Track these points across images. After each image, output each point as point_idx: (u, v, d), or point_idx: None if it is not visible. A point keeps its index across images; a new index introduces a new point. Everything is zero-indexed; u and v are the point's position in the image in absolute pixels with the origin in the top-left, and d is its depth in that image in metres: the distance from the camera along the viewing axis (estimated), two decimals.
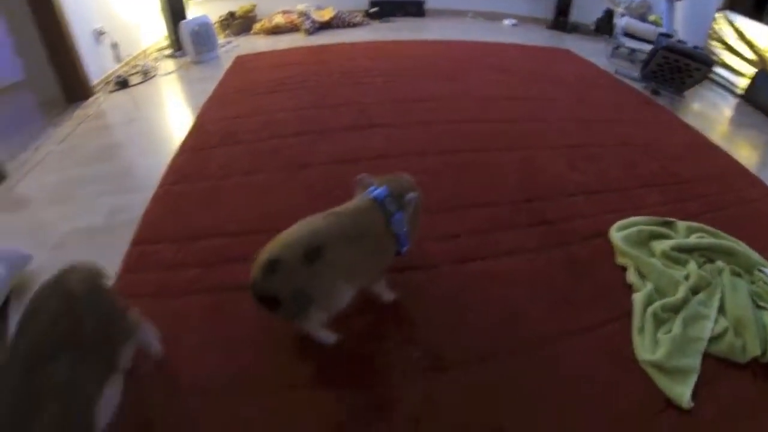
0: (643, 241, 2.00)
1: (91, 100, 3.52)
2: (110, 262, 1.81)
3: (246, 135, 2.80)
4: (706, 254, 1.95)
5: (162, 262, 1.83)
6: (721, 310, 1.71)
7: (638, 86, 4.10)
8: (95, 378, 1.07)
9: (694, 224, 2.11)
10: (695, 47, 3.72)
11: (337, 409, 1.37)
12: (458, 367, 1.50)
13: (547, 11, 6.08)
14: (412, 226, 1.60)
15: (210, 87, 3.65)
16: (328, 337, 1.52)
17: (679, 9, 4.56)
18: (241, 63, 4.22)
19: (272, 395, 1.38)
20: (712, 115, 3.90)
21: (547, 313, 1.70)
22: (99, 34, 3.79)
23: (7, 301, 1.74)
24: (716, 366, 1.55)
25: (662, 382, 1.46)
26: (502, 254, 1.95)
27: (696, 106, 4.01)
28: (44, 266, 1.89)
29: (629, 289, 1.81)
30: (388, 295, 1.69)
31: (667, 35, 3.93)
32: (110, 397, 1.13)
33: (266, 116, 3.04)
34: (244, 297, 1.55)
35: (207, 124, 2.99)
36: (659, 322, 1.64)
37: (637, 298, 1.72)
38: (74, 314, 1.06)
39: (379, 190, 1.53)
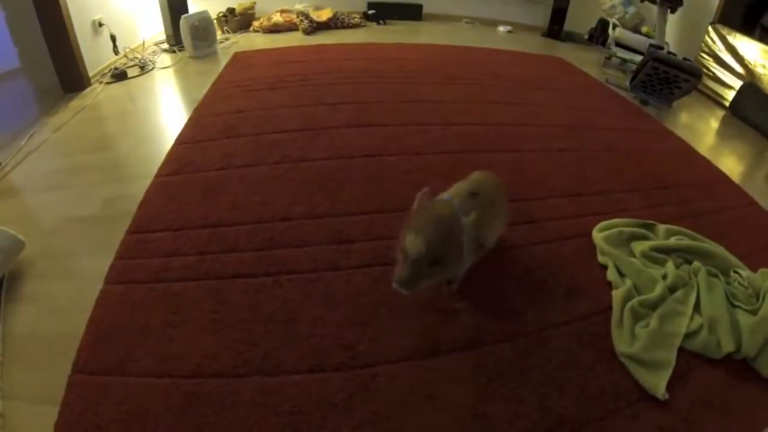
0: (624, 241, 2.05)
1: (87, 90, 3.52)
2: (107, 249, 1.84)
3: (246, 129, 2.81)
4: (684, 255, 2.01)
5: (158, 249, 1.85)
6: (697, 308, 1.76)
7: (628, 96, 4.17)
8: None
9: (674, 227, 2.17)
10: (685, 59, 3.78)
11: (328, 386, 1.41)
12: (444, 354, 1.54)
13: (542, 19, 6.16)
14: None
15: (208, 82, 3.66)
16: None
17: (673, 22, 4.64)
18: (239, 59, 4.24)
19: (271, 377, 1.42)
20: (699, 125, 3.98)
21: (528, 305, 1.75)
22: (98, 26, 3.81)
23: (0, 285, 1.75)
24: (691, 360, 1.61)
25: (638, 373, 1.51)
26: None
27: (684, 116, 4.09)
28: (38, 253, 1.90)
29: (609, 286, 1.86)
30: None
31: (658, 46, 3.99)
32: None
33: (267, 111, 3.06)
34: (238, 283, 1.69)
35: (205, 117, 3.01)
36: (637, 317, 1.69)
37: (617, 294, 1.78)
38: None
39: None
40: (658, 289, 1.77)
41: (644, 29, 5.09)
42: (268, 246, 1.89)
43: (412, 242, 1.40)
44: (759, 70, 4.07)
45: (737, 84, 4.27)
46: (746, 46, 4.22)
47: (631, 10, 5.16)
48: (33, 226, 2.06)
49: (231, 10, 5.24)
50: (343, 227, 2.02)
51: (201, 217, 2.03)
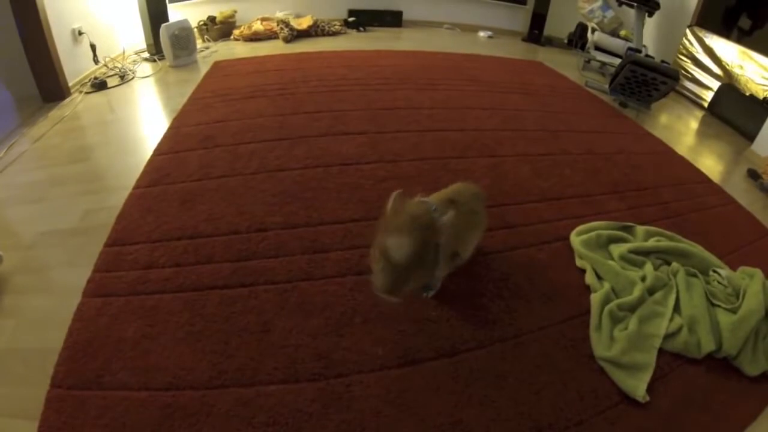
0: (602, 244, 2.06)
1: (67, 100, 3.49)
2: (85, 262, 1.82)
3: (224, 138, 2.80)
4: (663, 257, 2.02)
5: (136, 262, 1.83)
6: (677, 308, 1.77)
7: (607, 98, 4.20)
8: None
9: (652, 228, 2.19)
10: (662, 62, 3.81)
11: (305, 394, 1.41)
12: (420, 362, 1.53)
13: (523, 24, 6.20)
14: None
15: (187, 91, 3.63)
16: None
17: (651, 25, 4.69)
18: (219, 68, 4.22)
19: (246, 388, 1.41)
20: (678, 126, 4.02)
21: (505, 311, 1.75)
22: (78, 34, 3.77)
23: None
24: (672, 361, 1.62)
25: (617, 376, 1.52)
26: None
27: (663, 118, 4.13)
28: (16, 267, 1.88)
29: (587, 290, 1.87)
30: None
31: (636, 50, 4.02)
32: None
33: (245, 121, 3.04)
34: (214, 295, 1.67)
35: (184, 127, 2.98)
36: (616, 320, 1.69)
37: (595, 297, 1.78)
38: None
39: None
40: (637, 291, 1.78)
41: (622, 33, 5.12)
42: (244, 257, 1.87)
43: (395, 245, 1.36)
44: (736, 70, 4.12)
45: (715, 85, 4.32)
46: (723, 47, 4.27)
47: (609, 14, 5.19)
48: (11, 239, 2.04)
49: (212, 19, 5.20)
50: (318, 237, 2.01)
51: (178, 228, 2.02)
